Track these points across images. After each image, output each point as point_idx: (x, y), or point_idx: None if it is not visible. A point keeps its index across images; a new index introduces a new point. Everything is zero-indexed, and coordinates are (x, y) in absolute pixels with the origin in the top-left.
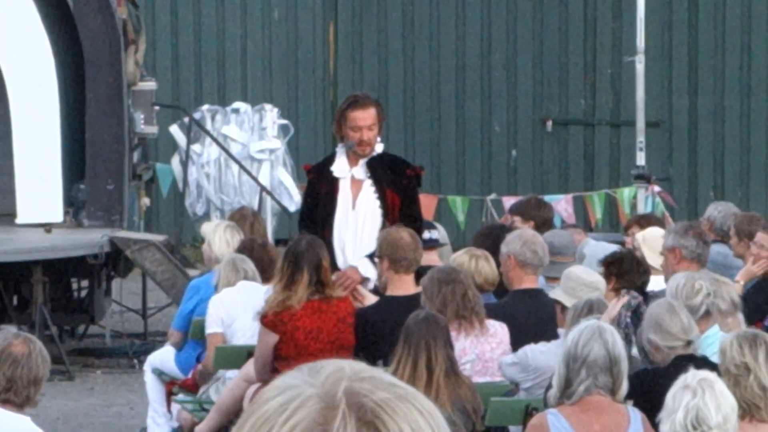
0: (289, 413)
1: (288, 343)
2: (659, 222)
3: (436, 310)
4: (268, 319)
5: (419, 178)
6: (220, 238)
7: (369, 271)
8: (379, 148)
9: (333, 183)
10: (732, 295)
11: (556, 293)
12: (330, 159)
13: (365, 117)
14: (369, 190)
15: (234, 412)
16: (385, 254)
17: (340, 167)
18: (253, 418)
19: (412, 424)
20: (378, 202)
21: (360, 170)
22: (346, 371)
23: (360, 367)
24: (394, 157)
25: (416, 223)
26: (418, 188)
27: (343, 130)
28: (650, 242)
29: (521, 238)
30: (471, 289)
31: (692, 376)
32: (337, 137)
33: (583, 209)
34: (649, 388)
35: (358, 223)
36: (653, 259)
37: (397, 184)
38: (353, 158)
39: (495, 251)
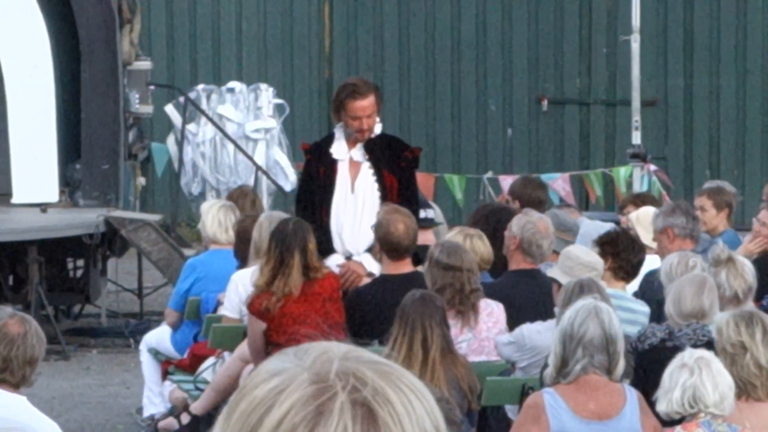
0: (282, 397)
1: (277, 330)
2: (655, 201)
3: (436, 291)
4: (255, 308)
5: (417, 160)
6: (212, 218)
7: (373, 266)
8: (377, 129)
9: (331, 165)
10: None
11: (553, 272)
12: (328, 139)
13: (365, 106)
14: (367, 172)
15: (230, 391)
16: (378, 241)
17: (339, 149)
18: (244, 404)
19: (403, 401)
20: (376, 185)
21: (358, 152)
22: (334, 352)
23: (346, 347)
24: (392, 137)
25: (413, 206)
26: (416, 169)
27: (342, 117)
28: (644, 221)
29: (533, 229)
30: (470, 284)
31: (689, 354)
32: (334, 120)
33: (579, 188)
34: (648, 367)
35: (357, 206)
36: (647, 238)
37: (395, 166)
38: (352, 140)
39: (493, 232)
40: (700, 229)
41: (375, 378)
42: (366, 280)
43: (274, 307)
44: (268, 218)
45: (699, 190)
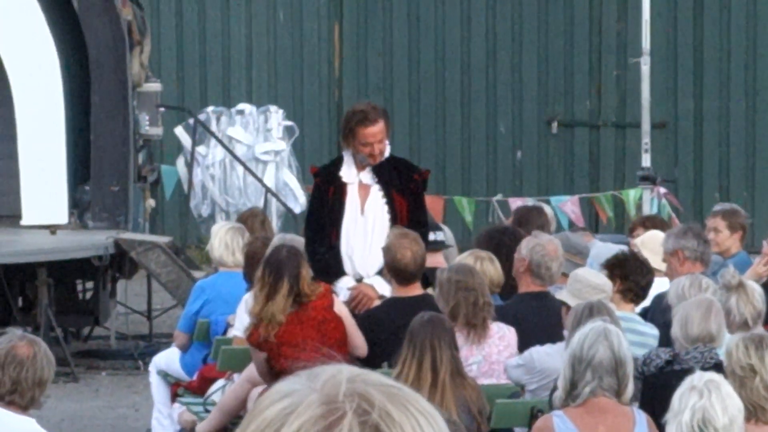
0: (292, 417)
1: (277, 359)
2: (664, 223)
3: (449, 312)
4: (253, 339)
5: (425, 182)
6: (220, 240)
7: (384, 288)
8: (386, 152)
9: (341, 187)
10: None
11: (562, 294)
12: (337, 162)
13: (375, 132)
14: (377, 195)
15: (236, 413)
16: (386, 266)
17: (348, 173)
18: (254, 425)
19: (412, 424)
20: (386, 207)
21: (367, 175)
22: (344, 374)
23: (356, 369)
24: (400, 160)
25: (423, 228)
26: (424, 192)
27: (352, 144)
28: (649, 245)
29: (542, 252)
30: (484, 297)
31: (699, 377)
32: (343, 147)
33: (589, 210)
34: (655, 391)
35: (367, 229)
36: (655, 261)
37: (405, 189)
38: (361, 164)
39: (497, 253)
40: (710, 252)
41: (384, 400)
42: (377, 303)
43: (270, 336)
44: (282, 241)
45: (713, 211)
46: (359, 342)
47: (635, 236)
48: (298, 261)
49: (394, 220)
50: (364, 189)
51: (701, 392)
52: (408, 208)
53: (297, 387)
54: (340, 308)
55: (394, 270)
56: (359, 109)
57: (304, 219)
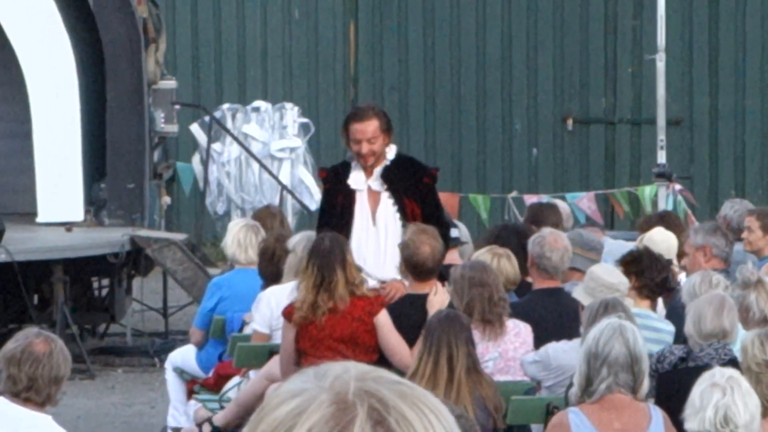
0: (303, 418)
1: (304, 336)
2: (672, 219)
3: (464, 308)
4: (287, 311)
5: (435, 180)
6: (233, 238)
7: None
8: (390, 153)
9: (350, 194)
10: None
11: (577, 292)
12: (345, 166)
13: (364, 130)
14: (387, 202)
15: (253, 408)
16: (404, 261)
17: (357, 179)
18: (264, 425)
19: (423, 422)
20: (398, 215)
21: (376, 181)
22: (351, 372)
23: (365, 367)
24: (407, 160)
25: (444, 229)
26: (435, 189)
27: (347, 141)
28: (650, 242)
29: (541, 242)
30: (499, 292)
31: (720, 374)
32: (345, 146)
33: (605, 207)
34: (669, 388)
35: (379, 238)
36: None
37: (415, 193)
38: (369, 169)
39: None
40: (732, 254)
41: (394, 398)
42: None
43: (307, 314)
44: (305, 239)
45: (748, 210)
46: (400, 354)
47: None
48: (344, 248)
49: (406, 225)
50: (373, 196)
51: (724, 389)
52: (423, 212)
53: (306, 386)
54: (383, 320)
55: (411, 265)
56: (357, 106)
57: (317, 220)
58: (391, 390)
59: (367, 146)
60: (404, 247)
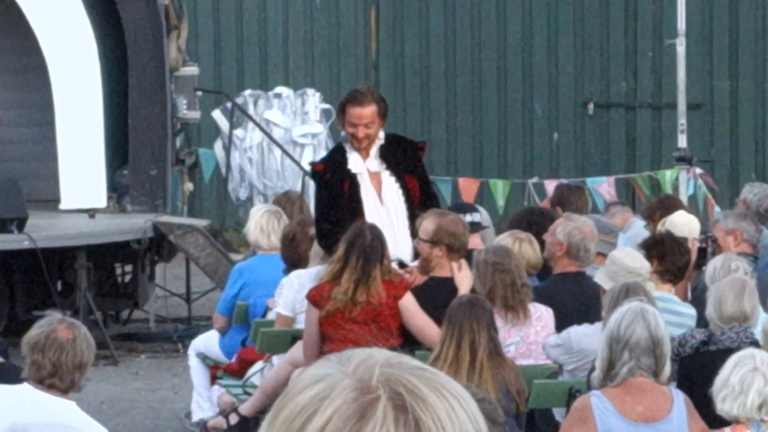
0: (326, 403)
1: (327, 319)
2: (675, 205)
3: (486, 294)
4: (312, 295)
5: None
6: (255, 224)
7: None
8: (381, 133)
9: (353, 179)
10: None
11: (599, 277)
12: (337, 152)
13: (362, 114)
14: (390, 181)
15: (278, 395)
16: (443, 243)
17: (355, 162)
18: (287, 410)
19: (446, 407)
20: (401, 191)
21: (374, 162)
22: (375, 358)
23: (388, 353)
24: (397, 138)
25: (435, 201)
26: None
27: (342, 121)
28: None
29: (580, 235)
30: (521, 278)
31: (760, 358)
32: (338, 127)
33: (625, 192)
34: (691, 372)
35: (391, 218)
36: None
37: (412, 168)
38: (364, 151)
39: (535, 235)
40: (760, 239)
41: (417, 384)
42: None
43: (328, 296)
44: None
45: None
46: (429, 332)
47: (653, 221)
48: (383, 241)
49: (410, 202)
50: (375, 177)
51: (765, 375)
52: (421, 186)
53: (329, 371)
54: (408, 303)
55: (453, 245)
56: (355, 89)
57: (316, 212)
58: (414, 375)
59: (363, 130)
60: (439, 227)
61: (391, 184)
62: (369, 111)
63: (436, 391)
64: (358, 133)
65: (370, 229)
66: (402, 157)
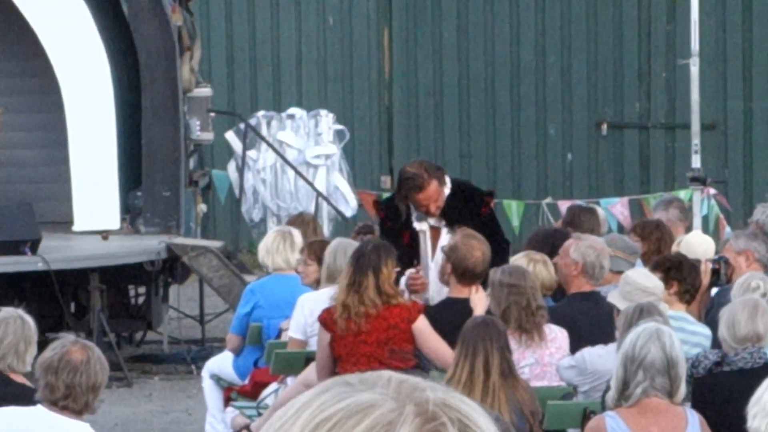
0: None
1: (339, 342)
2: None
3: (501, 315)
4: (322, 317)
5: (492, 209)
6: (263, 244)
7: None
8: (447, 188)
9: (415, 235)
10: None
11: (613, 297)
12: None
13: (428, 197)
14: (446, 237)
15: None
16: (452, 263)
17: (418, 219)
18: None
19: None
20: None
21: (436, 217)
22: (421, 384)
23: (411, 377)
24: (463, 190)
25: (503, 246)
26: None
27: (403, 200)
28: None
29: (595, 253)
30: (536, 300)
31: None
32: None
33: (639, 212)
34: (706, 393)
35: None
36: None
37: (475, 219)
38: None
39: (551, 256)
40: None
41: (462, 407)
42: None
43: (341, 319)
44: (340, 245)
45: None
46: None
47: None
48: (380, 257)
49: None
50: (434, 232)
51: None
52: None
53: (371, 396)
54: (422, 326)
55: (460, 269)
56: (410, 175)
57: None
58: (455, 398)
59: (434, 205)
60: (453, 250)
61: (447, 240)
62: (432, 190)
63: (477, 412)
64: (431, 209)
65: (374, 244)
66: (462, 213)
